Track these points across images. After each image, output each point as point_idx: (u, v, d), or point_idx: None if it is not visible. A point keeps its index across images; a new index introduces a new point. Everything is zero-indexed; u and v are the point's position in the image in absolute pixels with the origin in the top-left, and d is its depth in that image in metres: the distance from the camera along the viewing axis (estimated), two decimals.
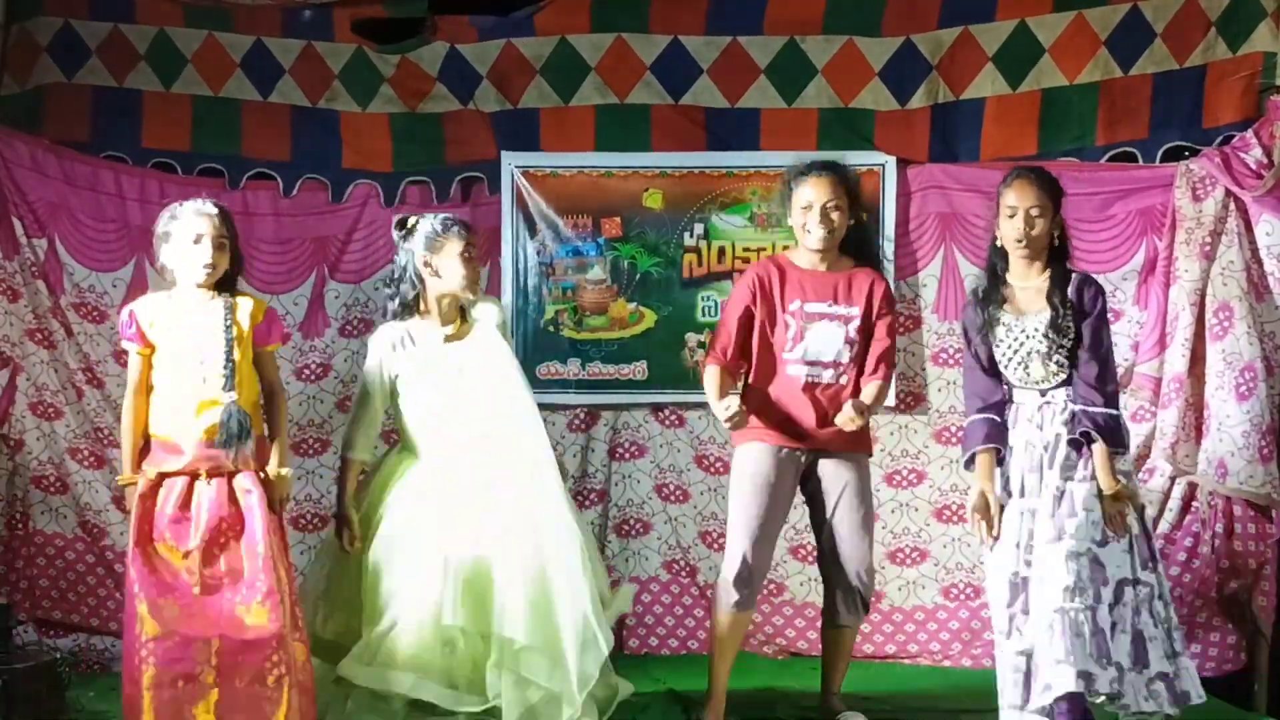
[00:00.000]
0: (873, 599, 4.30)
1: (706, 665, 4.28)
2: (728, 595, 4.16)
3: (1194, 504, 5.00)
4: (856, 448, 4.23)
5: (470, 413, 3.98)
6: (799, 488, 4.28)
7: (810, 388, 4.15)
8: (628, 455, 5.49)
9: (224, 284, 3.82)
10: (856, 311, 4.16)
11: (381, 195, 5.49)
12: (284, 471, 3.85)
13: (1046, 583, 3.73)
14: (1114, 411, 3.84)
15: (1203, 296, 4.94)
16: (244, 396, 3.73)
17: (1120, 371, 5.10)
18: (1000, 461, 3.92)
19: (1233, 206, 4.93)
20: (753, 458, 4.19)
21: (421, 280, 4.01)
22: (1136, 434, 5.07)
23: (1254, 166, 4.87)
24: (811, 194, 4.12)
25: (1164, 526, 5.03)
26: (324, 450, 5.45)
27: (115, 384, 5.05)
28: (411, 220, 4.07)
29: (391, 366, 4.02)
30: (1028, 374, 3.92)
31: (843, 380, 4.16)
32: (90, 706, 4.48)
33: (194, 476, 3.71)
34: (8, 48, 5.31)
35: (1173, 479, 5.02)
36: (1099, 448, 3.80)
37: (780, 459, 4.17)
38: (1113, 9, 5.17)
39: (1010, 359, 3.93)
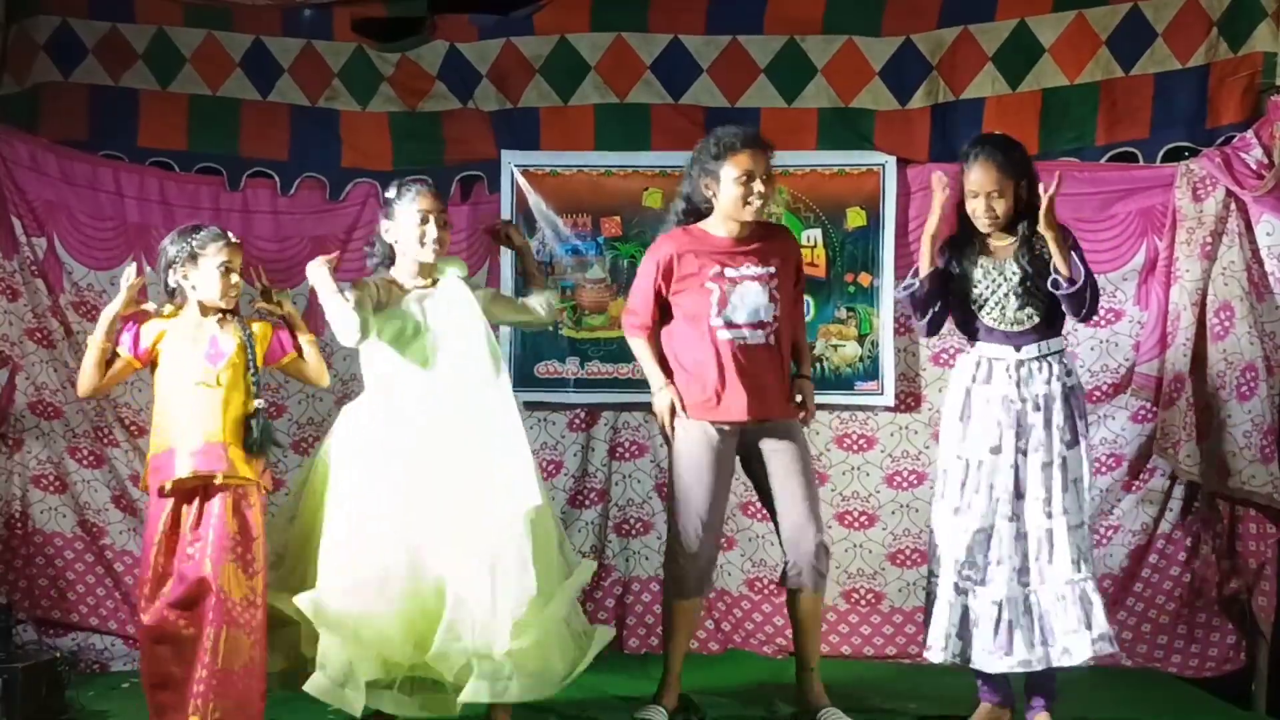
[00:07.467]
0: (828, 569, 4.26)
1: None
2: (677, 586, 4.18)
3: (1194, 504, 5.01)
4: (790, 414, 4.27)
5: (434, 366, 3.96)
6: (742, 466, 4.30)
7: (740, 350, 4.16)
8: (628, 455, 5.47)
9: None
10: (774, 270, 4.21)
11: (381, 194, 5.48)
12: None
13: (1056, 554, 3.92)
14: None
15: (1203, 296, 4.94)
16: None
17: (1121, 372, 5.13)
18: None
19: (1233, 206, 4.92)
20: (694, 440, 4.19)
21: (389, 245, 4.08)
22: (1137, 434, 5.09)
23: (1254, 166, 4.86)
24: (746, 167, 4.13)
25: (1164, 526, 5.05)
26: None
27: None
28: (392, 189, 4.12)
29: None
30: (1003, 314, 4.01)
31: (770, 340, 4.19)
32: (90, 706, 4.49)
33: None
34: (7, 47, 5.30)
35: (1173, 479, 5.03)
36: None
37: (719, 443, 4.18)
38: (1113, 9, 5.16)
39: (988, 299, 4.03)
